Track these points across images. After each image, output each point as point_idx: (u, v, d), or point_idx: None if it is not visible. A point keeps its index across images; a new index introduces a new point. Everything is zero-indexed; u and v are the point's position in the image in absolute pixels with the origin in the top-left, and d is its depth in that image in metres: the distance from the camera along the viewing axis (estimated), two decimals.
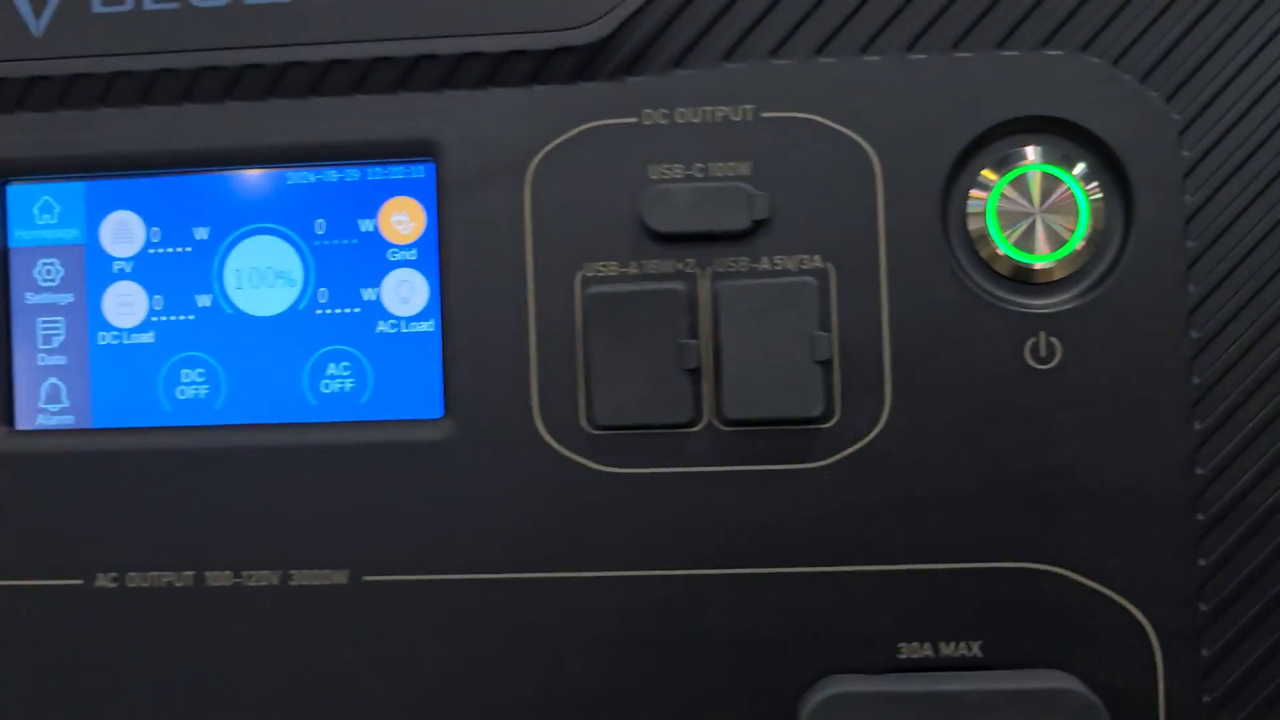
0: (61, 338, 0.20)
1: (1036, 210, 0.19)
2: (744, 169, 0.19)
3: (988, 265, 0.19)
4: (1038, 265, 0.19)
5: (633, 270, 0.19)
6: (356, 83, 0.20)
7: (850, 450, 0.19)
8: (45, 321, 0.20)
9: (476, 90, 0.20)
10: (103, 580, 0.20)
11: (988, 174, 0.19)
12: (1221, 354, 0.19)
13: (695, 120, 0.19)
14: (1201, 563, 0.19)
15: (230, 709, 0.20)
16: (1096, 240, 0.19)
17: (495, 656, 0.19)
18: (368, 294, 0.20)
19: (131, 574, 0.20)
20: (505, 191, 0.19)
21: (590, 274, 0.19)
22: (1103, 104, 0.19)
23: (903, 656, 0.19)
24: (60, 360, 0.20)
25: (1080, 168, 0.19)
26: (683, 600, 0.19)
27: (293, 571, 0.20)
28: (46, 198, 0.20)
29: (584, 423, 0.19)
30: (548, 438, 0.19)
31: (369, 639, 0.19)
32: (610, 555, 0.19)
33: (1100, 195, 0.19)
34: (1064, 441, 0.19)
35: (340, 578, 0.20)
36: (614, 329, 0.19)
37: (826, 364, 0.19)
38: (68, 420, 0.20)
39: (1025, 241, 0.19)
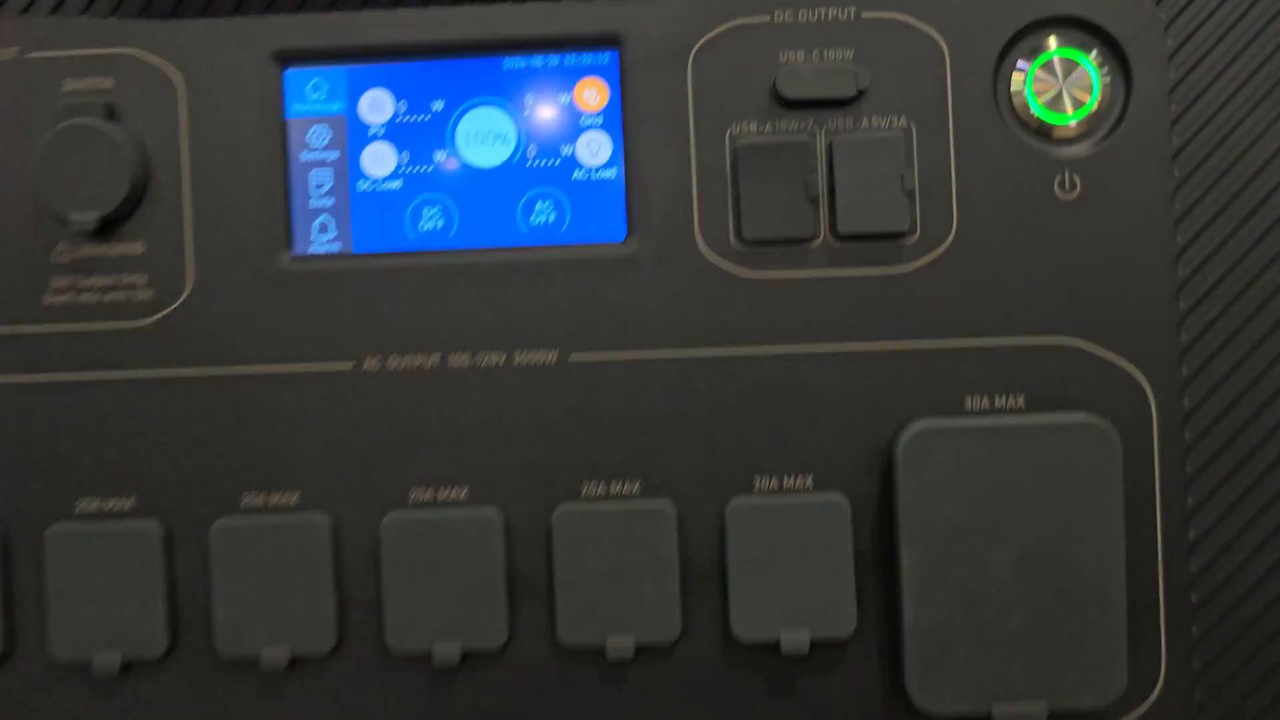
0: (330, 185, 0.27)
1: (1061, 83, 0.26)
2: (849, 54, 0.26)
3: (1026, 124, 0.26)
4: (1062, 124, 0.26)
5: (768, 128, 0.26)
6: None
7: (928, 258, 0.26)
8: (316, 173, 0.27)
9: None
10: (369, 364, 0.26)
11: (1025, 59, 0.26)
12: (1198, 187, 0.26)
13: (812, 19, 0.26)
14: (1184, 339, 0.26)
15: (467, 471, 0.26)
16: (1105, 105, 0.26)
17: (671, 420, 0.26)
18: (565, 150, 0.27)
19: (392, 357, 0.26)
20: (672, 72, 0.26)
21: (737, 131, 0.26)
22: (1109, 6, 0.26)
23: (968, 407, 0.26)
24: (329, 203, 0.27)
25: (1094, 53, 0.26)
26: (805, 369, 0.26)
27: (515, 353, 0.26)
28: (317, 79, 0.27)
29: (733, 240, 0.26)
30: (706, 252, 0.26)
31: (575, 405, 0.26)
32: (752, 335, 0.26)
33: (1107, 72, 0.26)
34: (1083, 249, 0.26)
35: (551, 357, 0.26)
36: (756, 170, 0.26)
37: (911, 194, 0.26)
38: (335, 247, 0.27)
39: (1054, 106, 0.26)
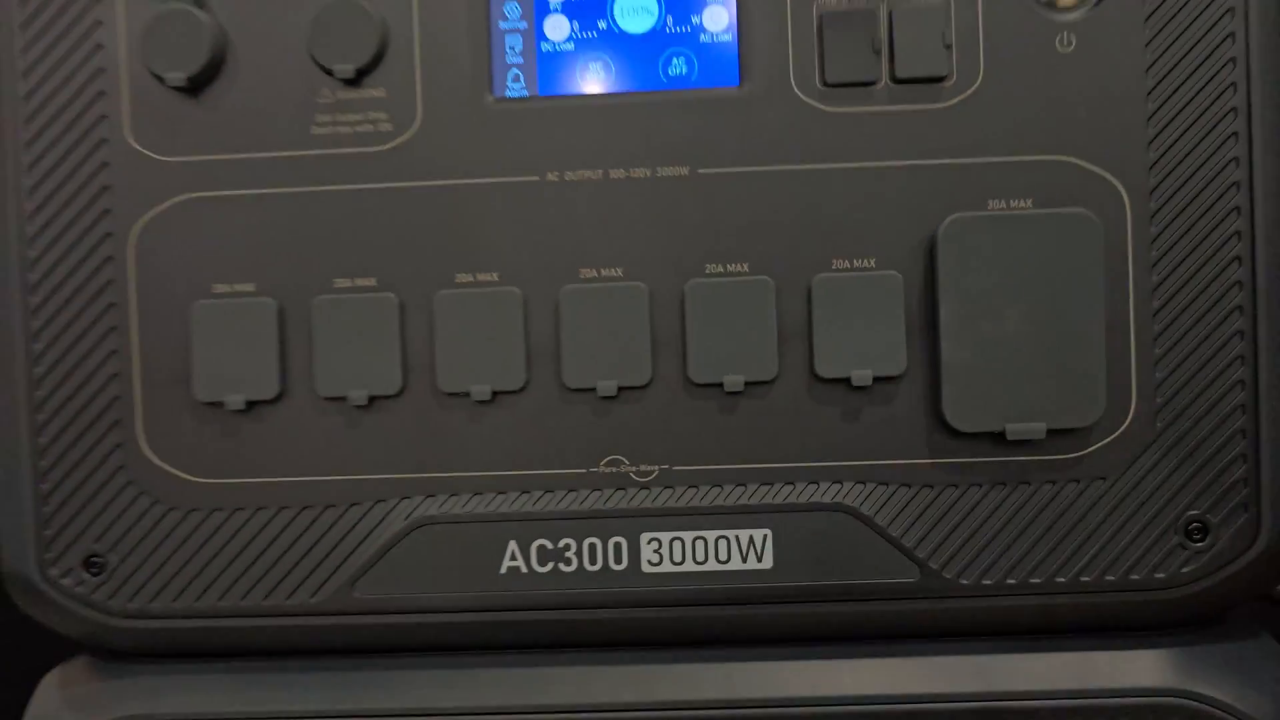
0: (520, 47, 0.36)
1: None
2: None
3: None
4: None
5: (845, 1, 0.35)
6: None
7: (961, 96, 0.35)
8: (510, 37, 0.36)
9: None
10: (550, 176, 0.36)
11: None
12: (1164, 42, 0.35)
13: None
14: (1151, 155, 0.35)
15: (622, 256, 0.36)
16: None
17: (771, 217, 0.35)
18: (694, 20, 0.36)
19: (567, 172, 0.36)
20: None
21: (823, 8, 0.35)
22: None
23: (989, 208, 0.35)
24: (519, 60, 0.36)
25: None
26: (870, 179, 0.35)
27: (658, 168, 0.36)
28: None
29: (818, 83, 0.35)
30: (798, 92, 0.35)
31: (701, 206, 0.36)
32: (832, 155, 0.35)
33: None
34: (1076, 89, 0.35)
35: (685, 171, 0.36)
36: (835, 31, 0.35)
37: (949, 47, 0.35)
38: (524, 92, 0.36)
39: None
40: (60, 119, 0.36)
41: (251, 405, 0.36)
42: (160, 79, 0.36)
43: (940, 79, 0.35)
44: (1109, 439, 0.35)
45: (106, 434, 0.36)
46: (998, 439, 0.35)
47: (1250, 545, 0.35)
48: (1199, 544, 0.35)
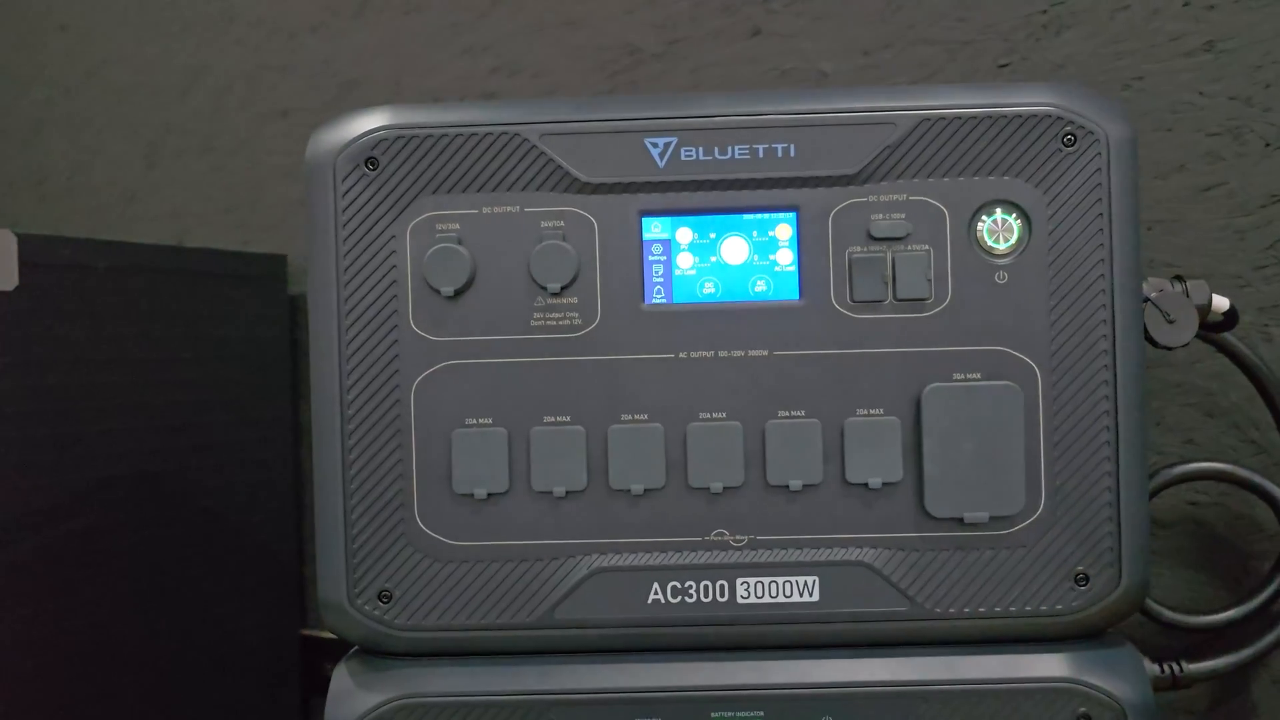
0: (661, 271, 0.58)
1: (1000, 229, 0.57)
2: (902, 215, 0.57)
3: (984, 249, 0.57)
4: (1001, 248, 0.57)
5: (866, 249, 0.57)
6: None
7: (937, 309, 0.57)
8: (654, 265, 0.58)
9: None
10: (681, 355, 0.57)
11: (983, 218, 0.57)
12: (1062, 275, 0.57)
13: (886, 199, 0.57)
14: (1054, 345, 0.57)
15: (727, 402, 0.57)
16: (1020, 241, 0.57)
17: (810, 386, 0.57)
18: (771, 257, 0.58)
19: (691, 352, 0.57)
20: (821, 223, 0.57)
21: (852, 250, 0.57)
22: (1022, 194, 0.57)
23: (955, 378, 0.57)
24: (661, 280, 0.58)
25: (1015, 215, 0.57)
26: (877, 360, 0.57)
27: (748, 350, 0.57)
28: (656, 220, 0.58)
29: (849, 300, 0.57)
30: (835, 305, 0.57)
31: (774, 376, 0.57)
32: (853, 343, 0.57)
33: (1021, 224, 0.57)
34: (1010, 304, 0.57)
35: (765, 353, 0.57)
36: (859, 270, 0.57)
37: (929, 280, 0.57)
38: (664, 300, 0.58)
39: (996, 239, 0.57)
40: (367, 313, 0.57)
41: (490, 495, 0.57)
42: (436, 290, 0.57)
43: (923, 299, 0.57)
44: (1028, 522, 0.57)
45: (394, 513, 0.57)
46: (960, 522, 0.57)
47: (1115, 588, 0.57)
48: (1083, 587, 0.57)
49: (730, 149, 0.57)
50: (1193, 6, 0.75)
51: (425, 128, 0.57)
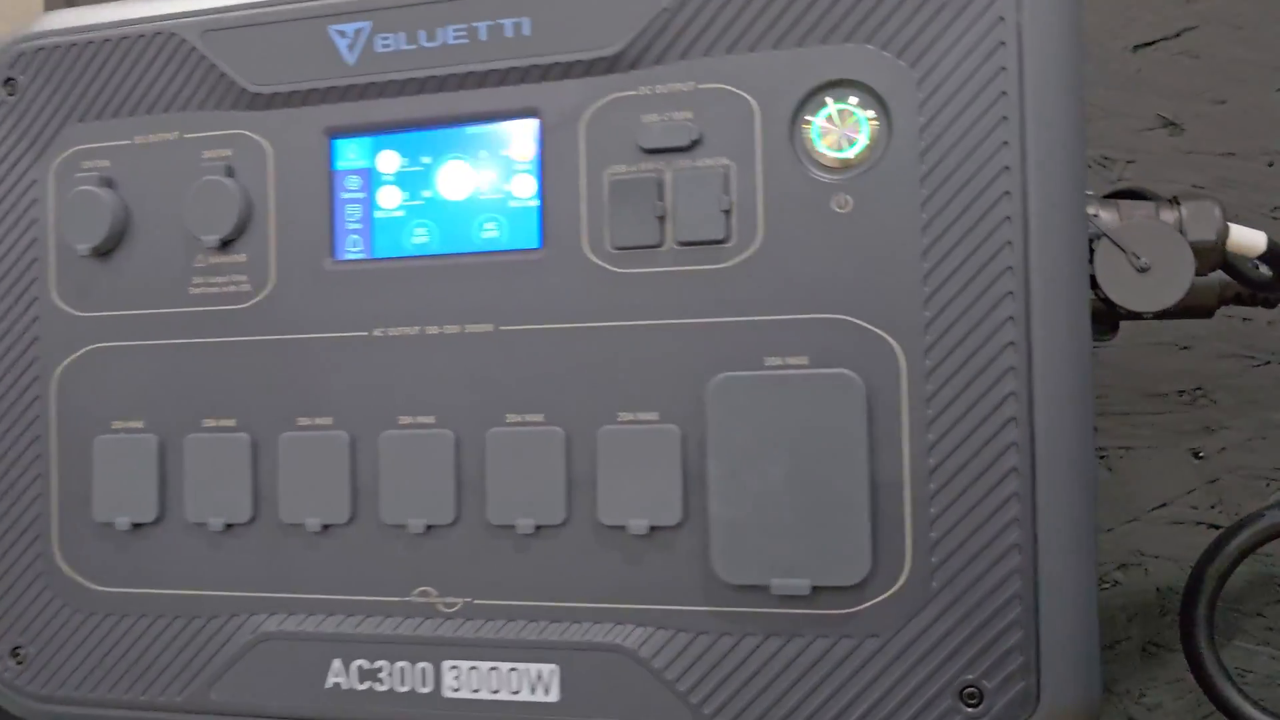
0: (359, 215, 0.41)
1: (838, 129, 0.36)
2: (689, 114, 0.37)
3: (814, 159, 0.36)
4: (839, 157, 0.36)
5: (633, 169, 0.38)
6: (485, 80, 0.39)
7: (740, 258, 0.36)
8: (350, 206, 0.41)
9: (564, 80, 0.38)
10: (376, 332, 0.40)
11: (812, 113, 0.36)
12: (939, 202, 0.35)
13: (665, 90, 0.37)
14: (926, 314, 0.35)
15: (433, 405, 0.39)
16: (873, 144, 0.36)
17: (565, 371, 0.38)
18: (505, 187, 0.39)
19: (390, 329, 0.39)
20: (571, 133, 0.38)
21: (612, 172, 0.38)
22: (874, 69, 0.36)
23: (767, 364, 0.36)
24: (358, 226, 0.41)
25: (864, 105, 0.36)
26: (655, 336, 0.37)
27: (466, 325, 0.39)
28: (351, 145, 0.41)
29: (608, 247, 0.38)
30: (590, 255, 0.38)
31: (503, 360, 0.38)
32: (621, 313, 0.37)
33: (876, 119, 0.36)
34: (852, 249, 0.35)
35: (490, 328, 0.39)
36: (621, 198, 0.37)
37: (727, 212, 0.36)
38: (360, 255, 0.40)
39: (834, 145, 0.36)
40: (4, 281, 0.44)
41: (136, 526, 0.42)
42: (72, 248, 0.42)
43: (720, 241, 0.37)
44: (882, 597, 0.35)
45: (30, 545, 0.43)
46: (766, 592, 0.36)
47: (1030, 712, 0.34)
48: (973, 709, 0.34)
49: (441, 31, 0.39)
50: None
51: (74, 33, 0.43)
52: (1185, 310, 0.53)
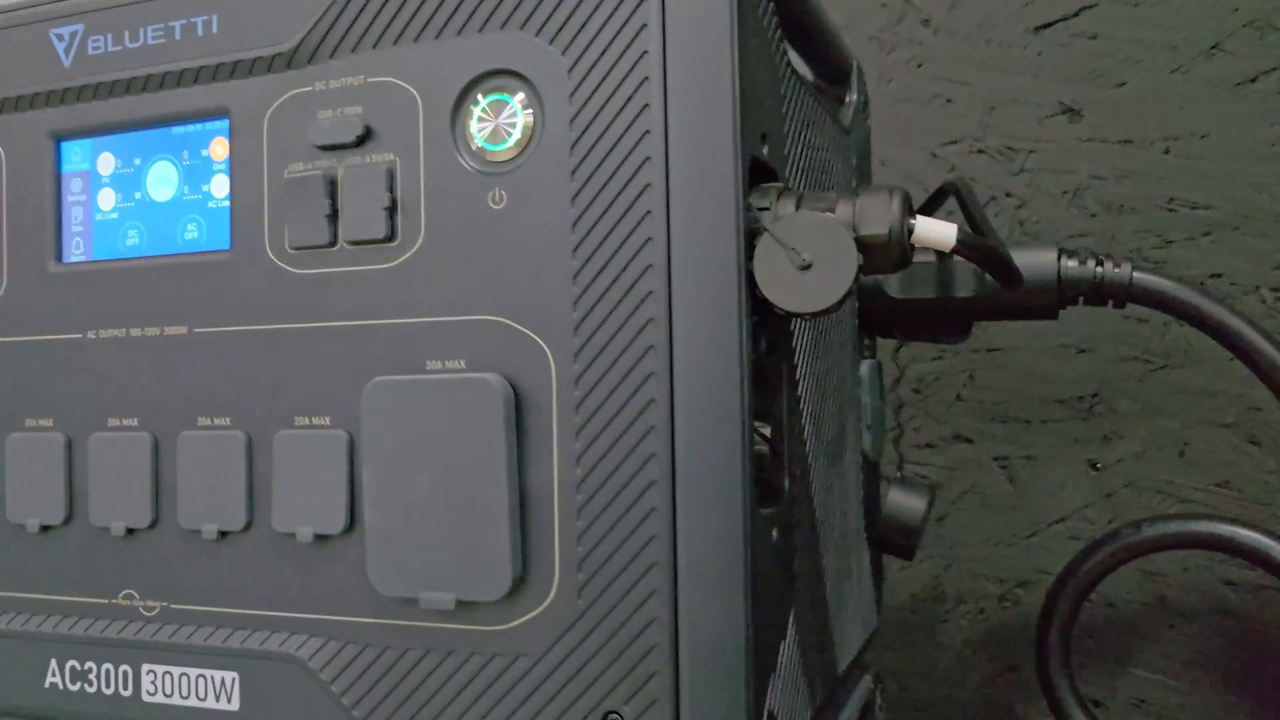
0: (81, 216, 0.41)
1: (495, 120, 0.34)
2: (359, 109, 0.36)
3: (473, 153, 0.34)
4: (496, 151, 0.34)
5: (309, 166, 0.36)
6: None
7: (404, 258, 0.35)
8: (74, 209, 0.41)
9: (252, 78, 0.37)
10: (89, 334, 0.40)
11: (473, 104, 0.34)
12: (588, 196, 0.33)
13: (338, 85, 0.36)
14: (575, 316, 0.33)
15: (136, 406, 0.39)
16: (527, 137, 0.34)
17: (251, 375, 0.37)
18: (204, 188, 0.39)
19: (102, 330, 0.39)
20: (256, 131, 0.37)
21: (289, 170, 0.37)
22: (529, 58, 0.34)
23: (428, 368, 0.35)
24: (80, 228, 0.41)
25: (519, 96, 0.34)
26: (330, 338, 0.36)
27: (165, 328, 0.38)
28: (74, 146, 0.41)
29: (287, 247, 0.37)
30: (271, 256, 0.37)
31: (198, 363, 0.38)
32: (300, 315, 0.36)
33: (530, 110, 0.34)
34: (506, 248, 0.34)
35: (184, 330, 0.38)
36: (295, 197, 0.36)
37: (389, 210, 0.35)
38: (82, 257, 0.41)
39: (491, 138, 0.34)
40: None
41: None
42: None
43: (385, 240, 0.35)
44: (531, 615, 0.33)
45: None
46: (416, 605, 0.34)
47: None
48: None
49: (143, 31, 0.39)
50: None
51: None
52: (1027, 311, 0.49)
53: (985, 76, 0.63)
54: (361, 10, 0.36)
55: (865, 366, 0.49)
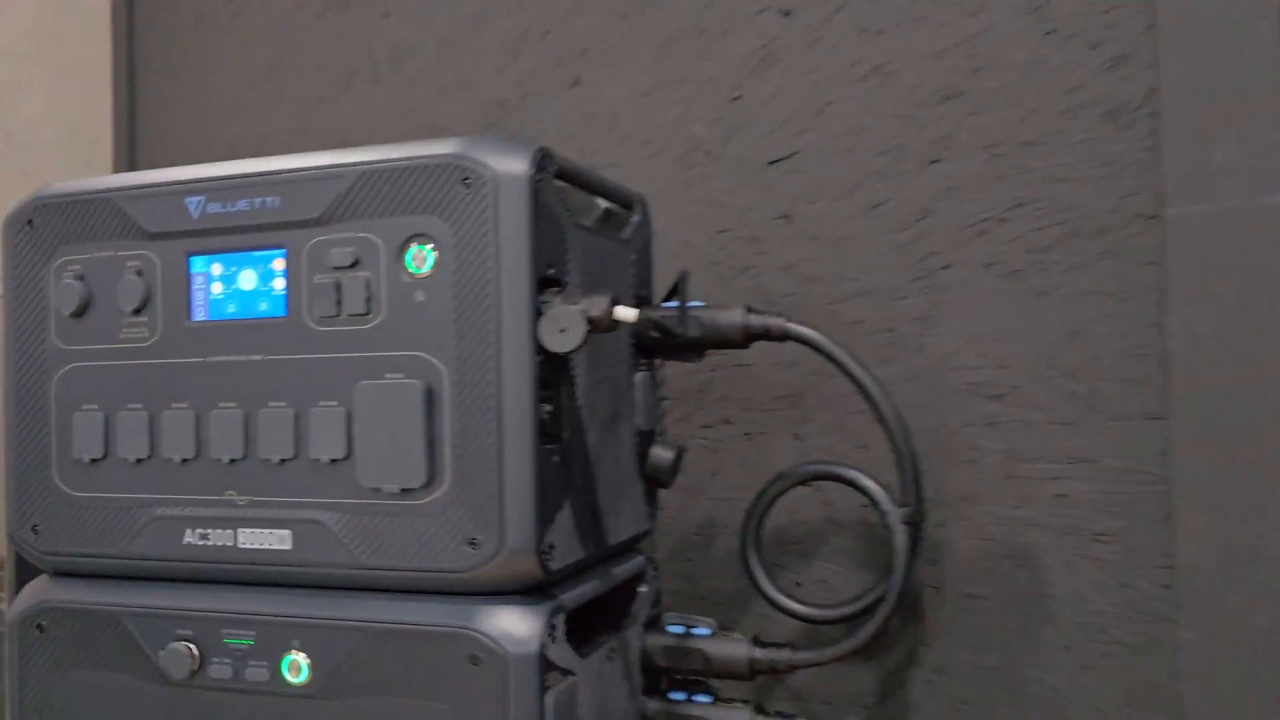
0: (202, 297, 0.77)
1: (420, 256, 0.70)
2: (352, 249, 0.72)
3: (408, 272, 0.71)
4: (419, 272, 0.70)
5: (324, 276, 0.72)
6: None
7: (374, 323, 0.71)
8: (198, 293, 0.77)
9: None
10: None
11: (417, 247, 0.71)
12: (464, 290, 0.69)
13: (341, 236, 0.72)
14: (457, 353, 0.69)
15: None
16: (436, 265, 0.70)
17: None
18: (271, 284, 0.75)
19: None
20: (298, 258, 0.73)
21: (316, 278, 0.73)
22: (436, 228, 0.70)
23: None
24: (201, 303, 0.77)
25: (430, 245, 0.70)
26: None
27: None
28: (199, 259, 0.77)
29: (315, 316, 0.73)
30: (308, 322, 0.73)
31: None
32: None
33: (437, 252, 0.70)
34: (426, 317, 0.70)
35: None
36: (320, 290, 0.72)
37: (368, 299, 0.71)
38: (203, 319, 0.77)
39: (417, 265, 0.70)
40: (25, 330, 0.81)
41: (93, 460, 0.78)
42: (62, 313, 0.79)
43: (365, 314, 0.71)
44: (434, 496, 0.70)
45: (42, 472, 0.80)
46: (379, 492, 0.71)
47: (499, 551, 0.68)
48: (474, 550, 0.69)
49: (238, 202, 0.75)
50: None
51: (62, 197, 0.80)
52: (730, 343, 0.86)
53: (739, 192, 1.01)
54: (354, 201, 0.72)
55: (639, 375, 0.86)
